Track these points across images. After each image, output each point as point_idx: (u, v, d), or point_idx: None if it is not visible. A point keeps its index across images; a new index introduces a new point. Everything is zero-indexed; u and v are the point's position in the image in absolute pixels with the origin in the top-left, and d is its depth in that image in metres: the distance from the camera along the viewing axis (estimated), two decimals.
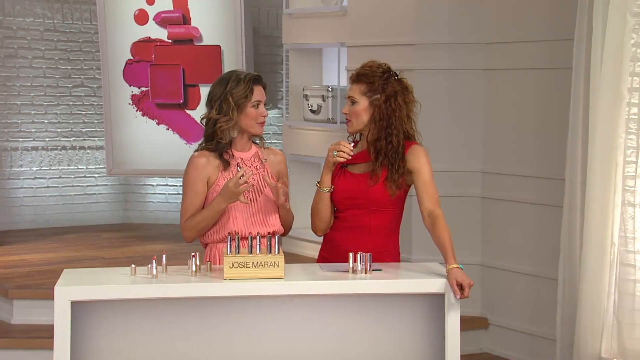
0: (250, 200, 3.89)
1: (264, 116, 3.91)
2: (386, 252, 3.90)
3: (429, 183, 3.84)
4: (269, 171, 3.96)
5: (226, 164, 3.90)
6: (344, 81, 6.82)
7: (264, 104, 3.93)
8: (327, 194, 3.92)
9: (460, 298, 3.54)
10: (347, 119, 3.91)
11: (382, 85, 3.85)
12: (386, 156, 3.82)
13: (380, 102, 3.84)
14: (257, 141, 4.02)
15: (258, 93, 3.90)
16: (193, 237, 3.93)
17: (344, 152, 3.81)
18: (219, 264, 3.86)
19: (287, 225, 4.01)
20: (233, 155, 3.94)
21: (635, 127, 4.73)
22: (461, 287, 3.53)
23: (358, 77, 3.88)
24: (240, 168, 3.86)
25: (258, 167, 3.95)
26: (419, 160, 3.86)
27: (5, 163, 8.33)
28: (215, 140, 3.90)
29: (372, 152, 3.86)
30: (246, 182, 3.74)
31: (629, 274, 4.74)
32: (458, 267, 3.58)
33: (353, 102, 3.87)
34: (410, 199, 4.68)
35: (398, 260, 3.98)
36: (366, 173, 3.88)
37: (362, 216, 3.87)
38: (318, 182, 3.95)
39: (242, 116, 3.88)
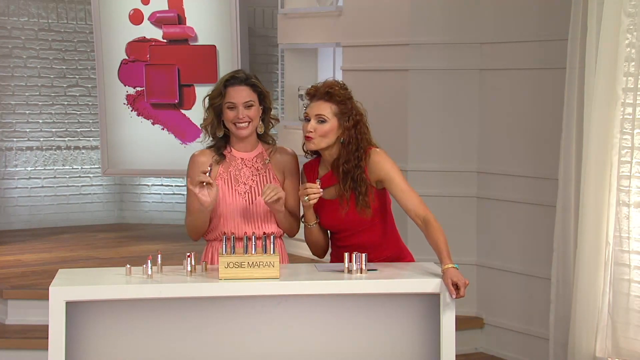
0: (247, 202, 3.87)
1: (240, 118, 3.82)
2: (391, 256, 3.90)
3: (406, 189, 3.77)
4: (271, 173, 3.93)
5: (221, 157, 3.88)
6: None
7: (247, 106, 3.82)
8: (315, 227, 3.88)
9: (456, 297, 3.54)
10: (307, 136, 3.79)
11: (351, 109, 3.79)
12: (353, 180, 3.77)
13: (349, 125, 3.77)
14: (270, 140, 3.96)
15: (232, 94, 3.83)
16: (193, 236, 3.93)
17: (315, 194, 3.73)
18: (215, 262, 3.85)
19: (288, 228, 3.94)
20: (232, 153, 3.92)
21: (630, 127, 4.74)
22: (456, 287, 3.53)
23: (328, 96, 3.77)
24: (209, 168, 3.79)
25: (259, 168, 3.92)
26: (381, 168, 3.78)
27: (0, 163, 8.32)
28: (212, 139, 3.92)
29: (339, 174, 3.79)
30: (205, 180, 3.69)
31: (624, 273, 4.75)
32: (453, 267, 3.58)
33: (322, 121, 3.77)
34: None
35: (407, 254, 3.96)
36: (334, 200, 3.82)
37: (353, 236, 3.85)
38: (302, 218, 3.91)
39: (224, 116, 3.86)
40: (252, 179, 3.89)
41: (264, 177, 3.91)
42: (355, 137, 3.78)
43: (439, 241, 3.67)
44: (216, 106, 3.85)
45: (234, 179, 3.88)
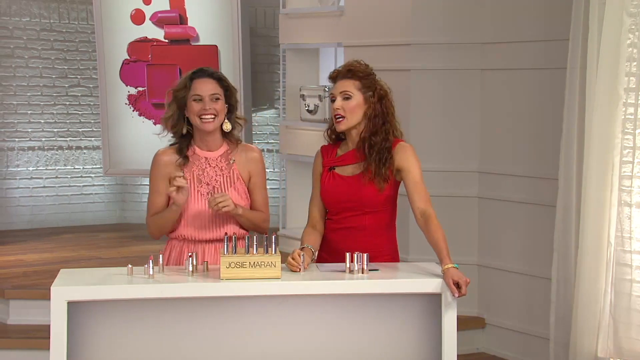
0: (210, 203, 3.78)
1: (205, 110, 3.78)
2: (383, 250, 3.91)
3: (419, 182, 3.82)
4: (236, 172, 3.90)
5: (184, 160, 3.85)
6: None
7: (213, 99, 3.80)
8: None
9: (458, 296, 3.54)
10: (338, 116, 3.83)
11: (374, 83, 3.86)
12: (378, 152, 3.82)
13: (375, 100, 3.84)
14: (234, 140, 3.93)
15: (199, 86, 3.80)
16: (156, 235, 3.93)
17: (296, 266, 3.67)
18: (173, 262, 3.87)
19: (252, 227, 3.91)
20: (195, 153, 3.88)
21: (631, 127, 4.74)
22: (458, 286, 3.53)
23: (350, 73, 3.85)
24: (182, 176, 3.78)
25: (223, 168, 3.88)
26: (408, 158, 3.85)
27: (2, 163, 8.33)
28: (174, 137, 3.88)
29: (365, 148, 3.83)
30: (178, 186, 3.70)
31: (626, 273, 4.75)
32: (454, 267, 3.58)
33: (347, 97, 3.83)
34: (405, 198, 4.64)
35: (397, 259, 3.98)
36: (355, 175, 3.86)
37: (356, 217, 3.86)
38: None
39: (188, 111, 3.82)
40: (215, 179, 3.86)
41: (228, 177, 3.88)
42: (382, 111, 3.85)
43: (439, 240, 3.67)
44: (180, 99, 3.81)
45: (197, 179, 3.86)
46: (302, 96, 7.18)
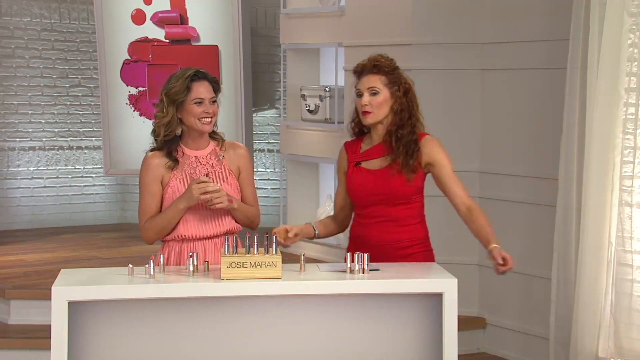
0: (192, 182, 3.84)
1: (207, 112, 3.85)
2: (417, 239, 3.95)
3: (453, 175, 3.92)
4: (226, 168, 3.94)
5: (174, 162, 3.88)
6: (342, 81, 6.83)
7: (212, 101, 3.87)
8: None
9: (504, 271, 3.71)
10: (366, 111, 3.87)
11: (400, 78, 3.91)
12: (405, 145, 3.87)
13: (400, 94, 3.88)
14: (217, 137, 3.98)
15: (200, 89, 3.85)
16: (154, 238, 3.93)
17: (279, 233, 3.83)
18: (172, 263, 3.88)
19: (247, 224, 3.98)
20: (185, 153, 3.92)
21: (632, 127, 4.75)
22: (504, 262, 3.70)
23: (377, 68, 3.88)
24: (207, 177, 3.83)
25: (214, 165, 3.93)
26: (438, 152, 3.92)
27: (3, 163, 8.34)
28: (160, 139, 3.89)
29: (392, 141, 3.87)
30: (207, 192, 3.74)
31: (626, 273, 4.76)
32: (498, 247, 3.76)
33: (374, 93, 3.87)
34: None
35: (430, 248, 4.01)
36: (383, 168, 3.89)
37: (387, 209, 3.89)
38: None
39: (184, 113, 3.85)
40: (207, 176, 3.89)
41: (220, 173, 3.92)
42: (407, 105, 3.90)
43: (486, 225, 3.91)
44: (179, 102, 3.84)
45: (190, 178, 3.89)
46: (303, 96, 7.19)
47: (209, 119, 3.86)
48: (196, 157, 3.92)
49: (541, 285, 5.49)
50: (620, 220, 4.75)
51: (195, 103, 3.84)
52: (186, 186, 3.86)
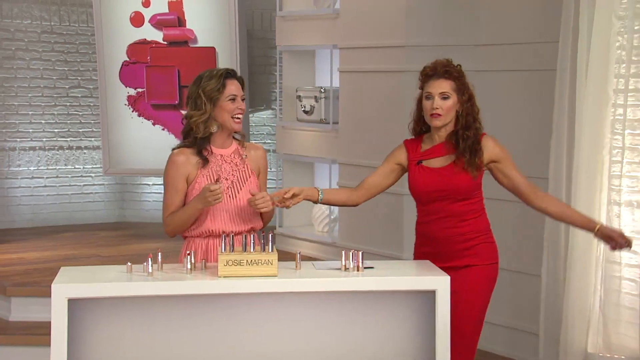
0: (229, 197, 3.92)
1: (241, 109, 3.93)
2: (480, 231, 4.04)
3: (516, 171, 4.08)
4: (249, 167, 4.00)
5: (205, 161, 3.93)
6: (337, 82, 6.84)
7: (242, 99, 3.94)
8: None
9: (620, 248, 4.00)
10: (437, 114, 3.96)
11: (466, 84, 4.02)
12: (470, 145, 3.98)
13: (465, 99, 4.00)
14: (238, 137, 4.03)
15: (233, 87, 3.92)
16: (174, 232, 3.97)
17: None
18: (199, 259, 3.89)
19: (268, 220, 4.09)
20: (212, 151, 3.96)
21: (620, 127, 4.78)
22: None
23: (447, 74, 3.98)
24: (219, 182, 3.87)
25: (238, 164, 3.99)
26: (501, 149, 4.06)
27: (4, 163, 8.35)
28: (192, 136, 3.93)
29: (459, 141, 3.98)
30: (219, 197, 3.79)
31: (615, 271, 4.79)
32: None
33: (445, 98, 3.97)
34: (400, 197, 4.74)
35: (492, 239, 4.10)
36: (446, 166, 3.99)
37: (449, 205, 3.99)
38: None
39: (218, 110, 3.90)
40: (232, 174, 3.95)
41: (243, 172, 3.98)
42: (472, 109, 4.02)
43: (569, 209, 4.17)
44: (215, 99, 3.90)
45: (215, 175, 3.94)
46: (299, 97, 7.22)
47: (241, 116, 3.93)
48: (221, 155, 3.98)
49: (531, 282, 5.51)
50: (608, 219, 4.79)
51: (229, 100, 3.90)
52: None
